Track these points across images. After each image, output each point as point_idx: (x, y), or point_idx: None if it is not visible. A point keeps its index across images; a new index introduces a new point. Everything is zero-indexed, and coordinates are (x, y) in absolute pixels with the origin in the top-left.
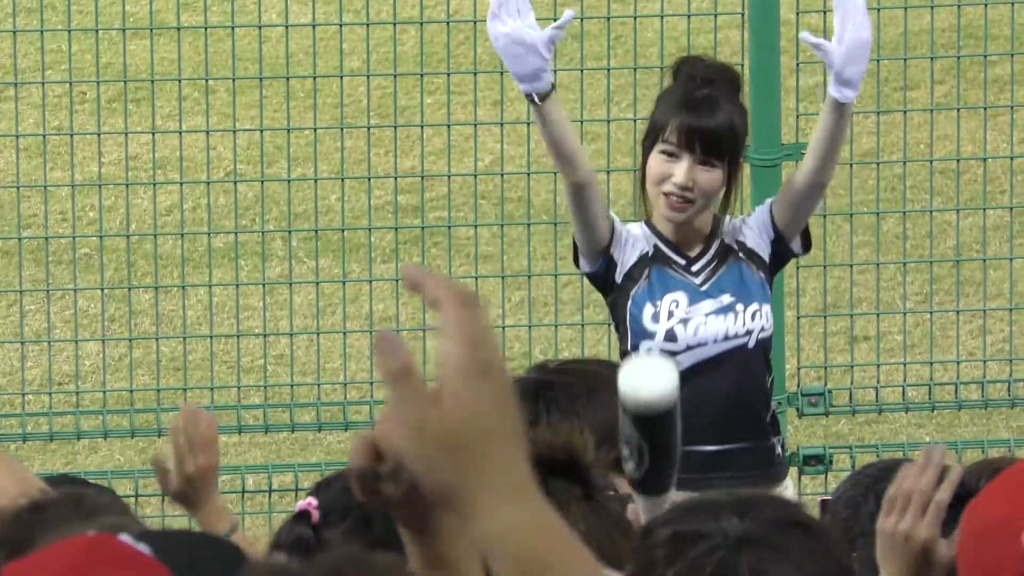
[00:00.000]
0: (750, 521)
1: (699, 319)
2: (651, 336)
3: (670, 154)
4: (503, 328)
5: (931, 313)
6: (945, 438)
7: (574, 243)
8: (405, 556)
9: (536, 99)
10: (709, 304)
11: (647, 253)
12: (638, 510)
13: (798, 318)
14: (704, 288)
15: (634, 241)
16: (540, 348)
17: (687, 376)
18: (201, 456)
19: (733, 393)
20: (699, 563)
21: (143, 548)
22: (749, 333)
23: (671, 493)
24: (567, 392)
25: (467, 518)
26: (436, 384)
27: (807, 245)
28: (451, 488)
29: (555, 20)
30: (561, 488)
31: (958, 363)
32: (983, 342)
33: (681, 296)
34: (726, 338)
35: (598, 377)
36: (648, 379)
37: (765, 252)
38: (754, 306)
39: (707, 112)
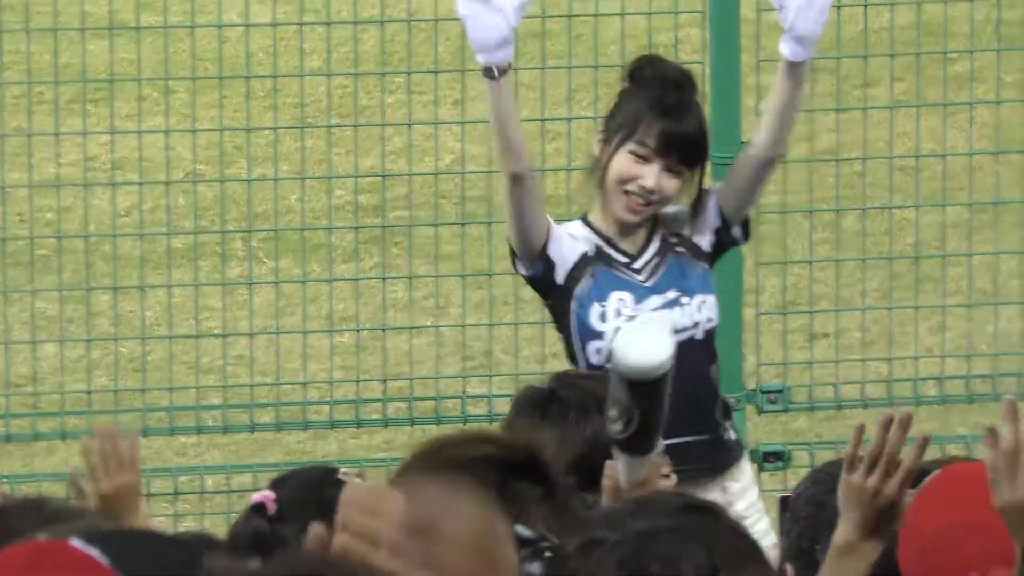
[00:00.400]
0: (647, 517)
1: (647, 315)
2: (599, 336)
3: (641, 156)
4: (464, 328)
5: (890, 310)
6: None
7: (511, 247)
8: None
9: (495, 72)
10: (655, 300)
11: (588, 253)
12: (617, 467)
13: (758, 315)
14: (648, 284)
15: (573, 241)
16: (501, 347)
17: None
18: (120, 476)
19: (683, 386)
20: (602, 563)
21: (93, 551)
22: (696, 325)
23: (654, 454)
24: (564, 406)
25: None
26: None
27: (747, 233)
28: None
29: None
30: (522, 489)
31: (916, 360)
32: (942, 339)
33: (627, 294)
34: (675, 332)
35: (593, 394)
36: (646, 345)
37: (706, 242)
38: (699, 298)
39: (684, 118)
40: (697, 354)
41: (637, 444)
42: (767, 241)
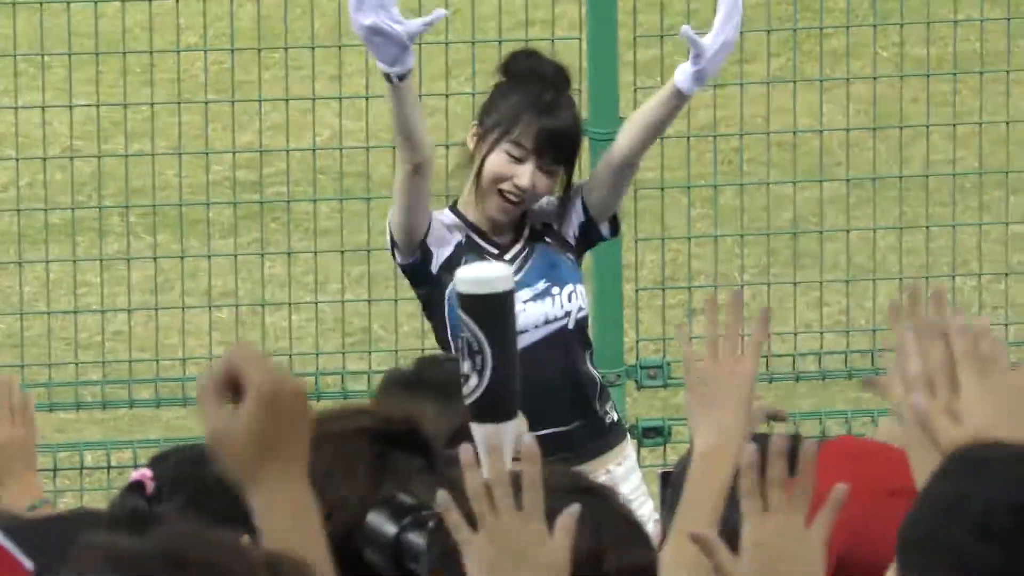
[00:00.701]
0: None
1: (518, 307)
2: None
3: (515, 156)
4: (343, 303)
5: (768, 285)
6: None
7: (390, 234)
8: (242, 532)
9: (394, 79)
10: (525, 292)
11: (460, 242)
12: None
13: (636, 291)
14: (518, 277)
15: (447, 232)
16: (380, 323)
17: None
18: (12, 428)
19: (560, 375)
20: None
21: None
22: (568, 314)
23: (514, 425)
24: (436, 386)
25: (249, 499)
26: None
27: (615, 229)
28: (238, 477)
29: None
30: (402, 461)
31: (795, 335)
32: (820, 314)
33: None
34: (546, 322)
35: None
36: (486, 269)
37: (572, 235)
38: (568, 287)
39: (560, 117)
40: (570, 343)
41: (491, 403)
42: (645, 217)
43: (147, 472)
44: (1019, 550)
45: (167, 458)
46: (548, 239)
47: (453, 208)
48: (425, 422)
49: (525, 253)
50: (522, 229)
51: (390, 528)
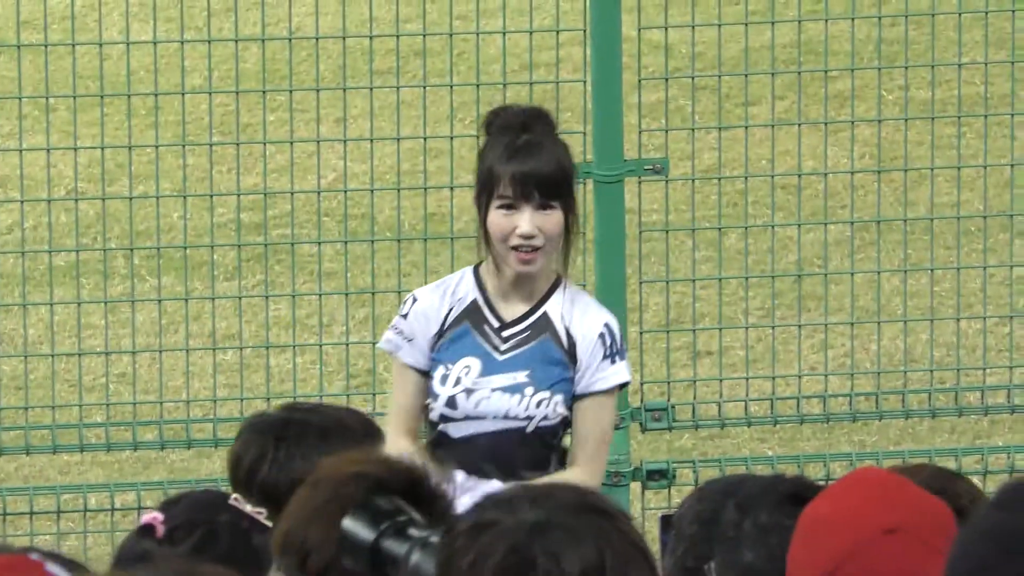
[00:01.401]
0: (543, 508)
1: (484, 392)
2: (436, 397)
3: (508, 207)
4: (347, 345)
5: (773, 328)
6: (788, 452)
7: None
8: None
9: None
10: (500, 379)
11: (466, 305)
12: None
13: (641, 333)
14: (503, 359)
15: (427, 321)
16: (384, 365)
17: (461, 441)
18: None
19: (505, 467)
20: (491, 547)
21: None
22: (529, 419)
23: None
24: (299, 430)
25: None
26: None
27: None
28: None
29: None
30: (388, 509)
31: (800, 377)
32: (824, 356)
33: (475, 363)
34: (506, 417)
35: (336, 422)
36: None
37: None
38: (543, 394)
39: (534, 157)
40: (527, 445)
41: None
42: (649, 259)
43: (158, 515)
44: None
45: (178, 501)
46: (558, 338)
47: (475, 269)
48: (429, 475)
49: (527, 335)
50: (535, 311)
51: (367, 534)
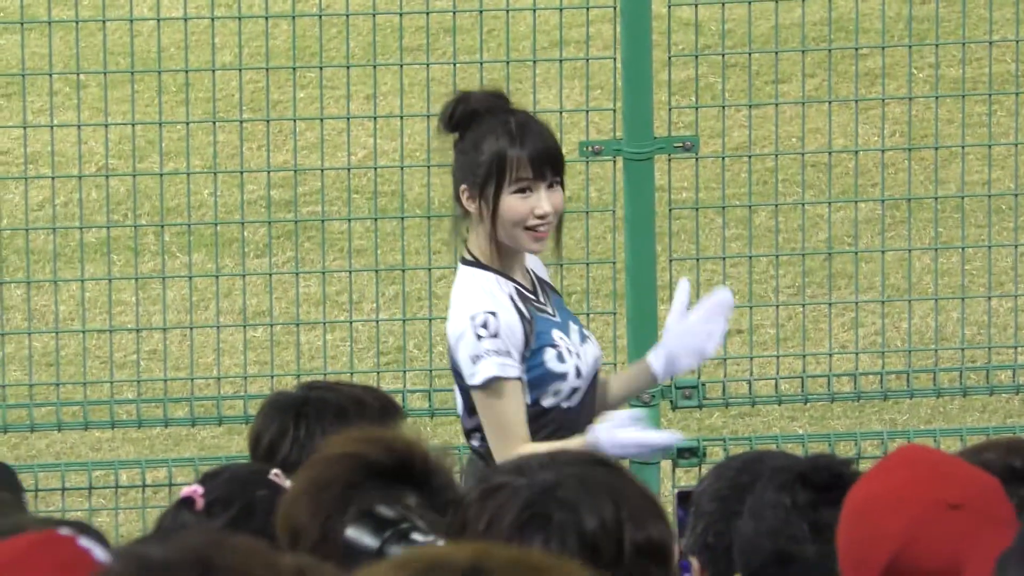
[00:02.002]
0: (553, 469)
1: (577, 348)
2: (563, 377)
3: (525, 189)
4: (377, 323)
5: (803, 306)
6: (818, 431)
7: None
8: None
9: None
10: (574, 333)
11: (512, 298)
12: None
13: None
14: (556, 318)
15: (510, 306)
16: (414, 343)
17: (574, 411)
18: None
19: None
20: (506, 507)
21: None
22: (598, 357)
23: None
24: (319, 408)
25: None
26: None
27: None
28: None
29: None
30: (375, 490)
31: (830, 356)
32: (855, 335)
33: (558, 332)
34: (595, 360)
35: (354, 401)
36: None
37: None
38: (587, 332)
39: (540, 136)
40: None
41: None
42: (680, 237)
43: (198, 488)
44: None
45: (218, 475)
46: (542, 279)
47: (481, 265)
48: (431, 455)
49: (544, 294)
50: (528, 271)
51: (371, 542)
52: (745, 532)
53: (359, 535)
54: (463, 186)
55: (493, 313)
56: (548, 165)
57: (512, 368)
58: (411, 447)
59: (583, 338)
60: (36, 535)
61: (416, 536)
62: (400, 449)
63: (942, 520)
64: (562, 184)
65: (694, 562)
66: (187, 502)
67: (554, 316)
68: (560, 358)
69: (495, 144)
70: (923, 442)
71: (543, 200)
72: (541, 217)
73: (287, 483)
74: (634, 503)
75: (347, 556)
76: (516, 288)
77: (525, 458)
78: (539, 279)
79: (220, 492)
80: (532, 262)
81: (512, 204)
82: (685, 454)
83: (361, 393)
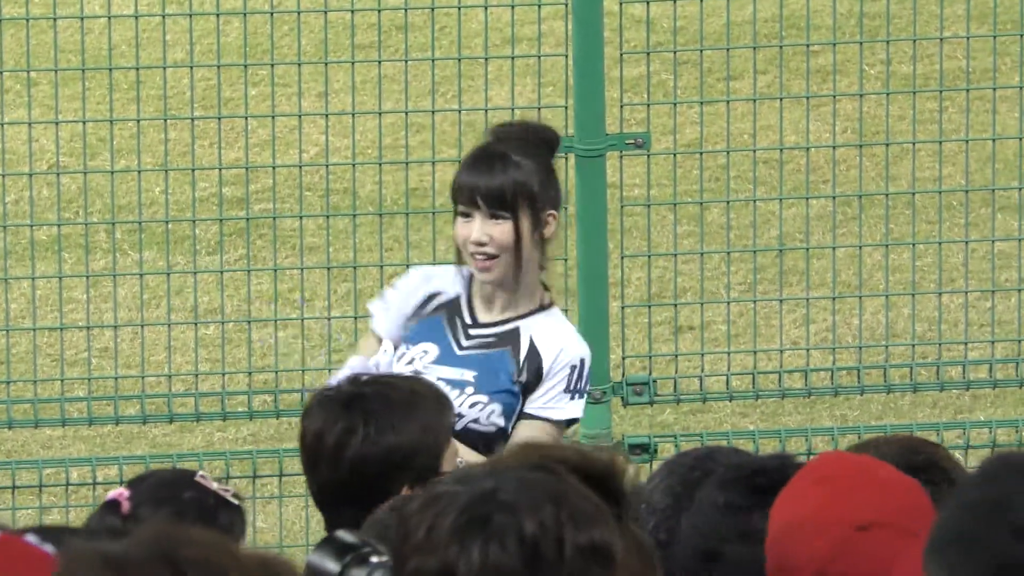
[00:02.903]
0: (495, 475)
1: (430, 379)
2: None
3: (465, 215)
4: (329, 320)
5: (755, 302)
6: (769, 427)
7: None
8: None
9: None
10: (448, 371)
11: (450, 297)
12: None
13: (622, 308)
14: (459, 355)
15: (427, 284)
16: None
17: None
18: None
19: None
20: (445, 512)
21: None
22: (459, 416)
23: None
24: (383, 403)
25: None
26: None
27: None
28: None
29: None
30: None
31: (781, 352)
32: (806, 331)
33: (433, 349)
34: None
35: (412, 393)
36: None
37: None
38: (482, 397)
39: (488, 168)
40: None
41: None
42: (632, 233)
43: (124, 492)
44: None
45: (146, 479)
46: (522, 356)
47: (461, 261)
48: (625, 475)
49: (490, 341)
50: (509, 323)
51: (332, 566)
52: (683, 528)
53: (322, 560)
54: None
55: (408, 273)
56: (480, 197)
57: (377, 319)
58: (613, 463)
59: (456, 385)
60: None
61: (373, 558)
62: (603, 463)
63: (857, 541)
64: (528, 220)
65: None
66: (112, 505)
67: (454, 345)
68: (399, 357)
69: (458, 170)
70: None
71: (475, 228)
72: (476, 244)
73: (214, 485)
74: (576, 506)
75: None
76: (461, 296)
77: (468, 468)
78: (515, 332)
79: (147, 495)
80: (547, 342)
81: (456, 227)
82: (636, 451)
83: (415, 385)
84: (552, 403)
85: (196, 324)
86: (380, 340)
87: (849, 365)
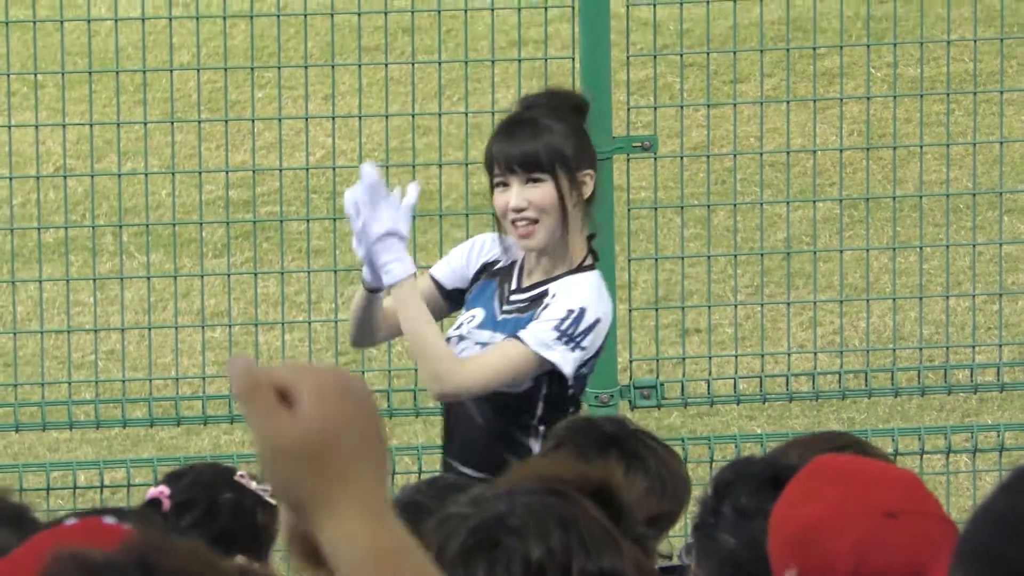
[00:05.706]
0: (507, 498)
1: (469, 343)
2: (448, 339)
3: (502, 184)
4: (336, 323)
5: (762, 305)
6: (776, 430)
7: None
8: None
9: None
10: (486, 335)
11: (507, 264)
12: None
13: (630, 311)
14: (499, 319)
15: (493, 246)
16: None
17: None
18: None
19: (489, 424)
20: (455, 534)
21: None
22: None
23: None
24: (642, 446)
25: (317, 531)
26: (292, 398)
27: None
28: (301, 501)
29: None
30: None
31: (788, 355)
32: (813, 334)
33: (480, 313)
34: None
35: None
36: None
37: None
38: None
39: (520, 134)
40: (508, 399)
41: None
42: (638, 236)
43: (165, 489)
44: None
45: (182, 476)
46: (547, 301)
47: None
48: (623, 489)
49: (524, 305)
50: (545, 283)
51: None
52: (729, 547)
53: None
54: None
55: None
56: (516, 162)
57: (438, 265)
58: (608, 479)
59: (492, 326)
60: (88, 521)
61: None
62: (597, 480)
63: (889, 528)
64: (567, 181)
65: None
66: (154, 503)
67: (498, 310)
68: (457, 325)
69: (491, 139)
70: (881, 442)
71: (513, 194)
72: (515, 211)
73: (252, 485)
74: (586, 532)
75: None
76: (516, 262)
77: (482, 490)
78: (544, 294)
79: (185, 493)
80: (559, 287)
81: (495, 198)
82: None
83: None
84: (534, 328)
85: (203, 327)
86: (436, 282)
87: (856, 368)
